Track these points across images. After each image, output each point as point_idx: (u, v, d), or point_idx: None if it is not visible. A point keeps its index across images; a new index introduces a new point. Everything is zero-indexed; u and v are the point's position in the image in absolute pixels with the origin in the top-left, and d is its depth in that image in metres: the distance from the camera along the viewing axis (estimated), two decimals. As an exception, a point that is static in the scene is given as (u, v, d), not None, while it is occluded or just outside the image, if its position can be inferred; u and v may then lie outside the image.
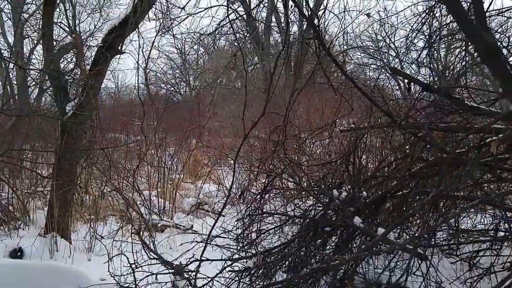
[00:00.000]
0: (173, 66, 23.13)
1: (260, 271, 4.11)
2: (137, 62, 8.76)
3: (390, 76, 13.32)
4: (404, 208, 3.96)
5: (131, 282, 3.53)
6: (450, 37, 6.97)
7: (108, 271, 3.71)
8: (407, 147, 4.22)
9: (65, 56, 6.57)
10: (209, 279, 3.62)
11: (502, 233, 4.59)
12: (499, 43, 4.16)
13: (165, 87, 23.03)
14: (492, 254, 4.43)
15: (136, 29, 5.60)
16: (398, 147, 4.38)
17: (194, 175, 9.93)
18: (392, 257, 4.24)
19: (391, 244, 3.28)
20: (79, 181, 6.62)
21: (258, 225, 4.32)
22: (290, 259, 4.22)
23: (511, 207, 4.40)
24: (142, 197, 7.36)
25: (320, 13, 9.66)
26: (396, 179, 3.95)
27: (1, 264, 5.12)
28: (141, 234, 5.02)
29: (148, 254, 3.59)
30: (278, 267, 4.17)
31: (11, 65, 12.88)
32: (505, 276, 3.08)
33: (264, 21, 15.22)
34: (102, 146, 7.08)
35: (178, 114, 11.44)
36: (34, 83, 12.09)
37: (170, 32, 6.75)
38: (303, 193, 4.26)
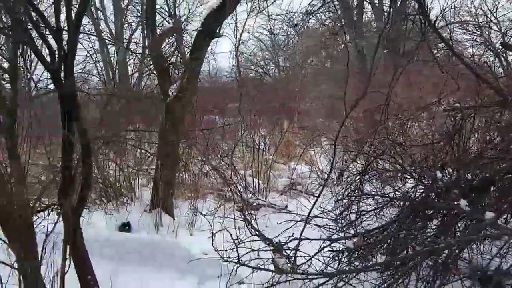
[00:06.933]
0: (262, 48, 23.29)
1: (359, 252, 4.09)
2: (235, 45, 8.95)
3: (493, 53, 12.29)
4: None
5: (234, 257, 3.67)
6: None
7: (212, 245, 3.88)
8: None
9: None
10: (309, 257, 3.68)
11: None
12: None
13: (255, 69, 23.26)
14: None
15: (234, 12, 5.73)
16: (507, 127, 4.08)
17: (287, 156, 10.02)
18: (503, 244, 4.02)
19: (501, 230, 3.10)
20: (180, 161, 6.98)
21: (357, 206, 4.29)
22: (389, 241, 4.14)
23: None
24: (238, 177, 7.61)
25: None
26: (505, 161, 3.69)
27: (114, 237, 5.64)
28: (244, 212, 5.20)
29: (250, 231, 3.72)
30: (377, 249, 4.12)
31: (114, 49, 13.72)
32: None
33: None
34: (201, 127, 7.39)
35: (269, 95, 11.54)
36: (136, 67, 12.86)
37: (264, 12, 6.82)
38: (404, 174, 4.14)
